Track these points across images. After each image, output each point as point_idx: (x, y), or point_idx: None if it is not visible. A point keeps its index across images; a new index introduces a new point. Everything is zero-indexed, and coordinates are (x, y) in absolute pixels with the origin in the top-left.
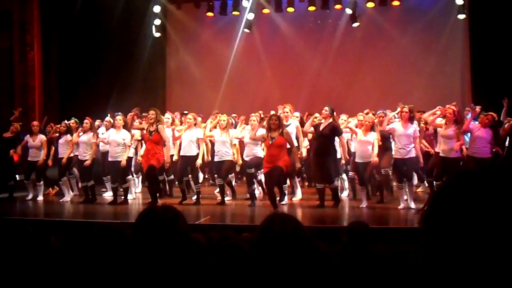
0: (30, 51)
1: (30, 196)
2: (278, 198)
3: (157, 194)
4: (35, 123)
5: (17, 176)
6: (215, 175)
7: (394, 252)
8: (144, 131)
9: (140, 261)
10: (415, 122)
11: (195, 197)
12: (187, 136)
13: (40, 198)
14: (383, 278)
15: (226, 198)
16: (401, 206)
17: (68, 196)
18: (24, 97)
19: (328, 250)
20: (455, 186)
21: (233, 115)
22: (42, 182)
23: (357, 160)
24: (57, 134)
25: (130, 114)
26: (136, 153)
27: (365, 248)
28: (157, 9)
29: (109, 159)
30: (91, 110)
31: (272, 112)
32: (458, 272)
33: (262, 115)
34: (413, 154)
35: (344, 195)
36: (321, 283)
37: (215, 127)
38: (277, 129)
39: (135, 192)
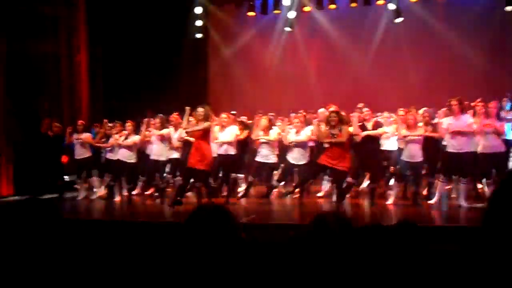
0: (77, 55)
1: (82, 195)
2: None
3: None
4: (81, 122)
5: (66, 177)
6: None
7: (444, 251)
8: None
9: (191, 259)
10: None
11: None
12: (223, 136)
13: (95, 195)
14: (438, 277)
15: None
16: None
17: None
18: (71, 101)
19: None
20: None
21: (271, 114)
22: (94, 178)
23: (405, 159)
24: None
25: (172, 116)
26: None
27: (415, 247)
28: (198, 10)
29: (151, 157)
30: (135, 112)
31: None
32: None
33: (305, 114)
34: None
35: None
36: (373, 282)
37: (263, 129)
38: (337, 125)
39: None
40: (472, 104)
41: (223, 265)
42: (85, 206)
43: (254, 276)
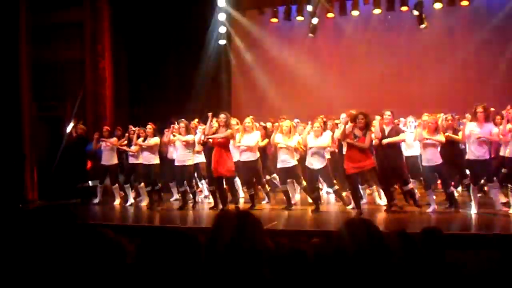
0: (101, 61)
1: (98, 200)
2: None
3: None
4: (106, 128)
5: (90, 182)
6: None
7: (465, 257)
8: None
9: (216, 264)
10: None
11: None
12: (245, 141)
13: (117, 202)
14: (458, 284)
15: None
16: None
17: (128, 201)
18: (96, 106)
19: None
20: None
21: (296, 120)
22: (117, 185)
23: (424, 164)
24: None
25: (193, 122)
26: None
27: (440, 255)
28: (222, 16)
29: (176, 163)
30: (159, 117)
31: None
32: None
33: (324, 119)
34: (488, 155)
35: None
36: None
37: (282, 132)
38: (363, 128)
39: (201, 198)
40: (504, 112)
41: (248, 269)
42: (102, 212)
43: (280, 281)
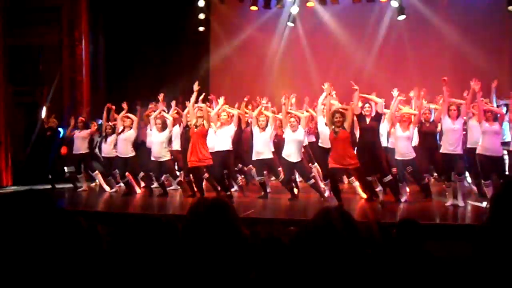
0: (78, 46)
1: (83, 187)
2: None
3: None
4: (81, 119)
5: (65, 168)
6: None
7: (440, 248)
8: (191, 125)
9: (192, 252)
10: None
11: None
12: (222, 131)
13: (84, 188)
14: (434, 274)
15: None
16: (449, 203)
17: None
18: (73, 91)
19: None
20: None
21: (272, 108)
22: (82, 175)
23: (396, 157)
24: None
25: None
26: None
27: (416, 245)
28: (201, 3)
29: (152, 158)
30: (136, 103)
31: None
32: None
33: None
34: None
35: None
36: (370, 281)
37: (260, 114)
38: (341, 126)
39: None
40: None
41: (224, 258)
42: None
43: (255, 269)
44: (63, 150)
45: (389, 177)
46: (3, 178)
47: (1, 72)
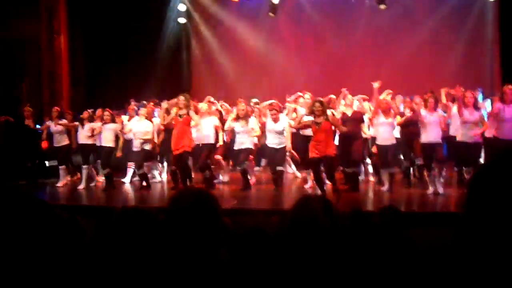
0: (57, 38)
1: (61, 183)
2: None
3: (187, 179)
4: (56, 108)
5: (46, 162)
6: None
7: (422, 236)
8: (173, 115)
9: (173, 243)
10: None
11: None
12: (205, 124)
13: (61, 183)
14: (416, 261)
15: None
16: (430, 191)
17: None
18: (52, 84)
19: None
20: (494, 169)
21: (254, 100)
22: (64, 167)
23: (378, 142)
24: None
25: (148, 105)
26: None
27: (398, 232)
28: None
29: (134, 149)
30: (117, 96)
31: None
32: (497, 253)
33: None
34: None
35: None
36: (351, 268)
37: (236, 120)
38: (322, 114)
39: (162, 178)
40: (452, 91)
41: (205, 248)
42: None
43: (237, 260)
44: (44, 144)
45: (353, 169)
46: None
47: None
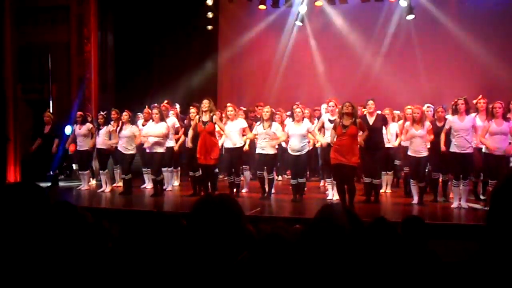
0: (87, 44)
1: (84, 186)
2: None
3: (213, 189)
4: (80, 113)
5: (73, 165)
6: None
7: (447, 248)
8: (197, 122)
9: (197, 248)
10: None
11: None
12: (230, 128)
13: (85, 187)
14: (438, 273)
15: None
16: (455, 204)
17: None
18: (81, 90)
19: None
20: None
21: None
22: (87, 171)
23: (410, 153)
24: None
25: (163, 104)
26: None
27: (421, 243)
28: (210, 2)
29: (147, 150)
30: (145, 102)
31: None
32: None
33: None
34: (471, 149)
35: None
36: (375, 276)
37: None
38: (351, 116)
39: (172, 185)
40: (474, 101)
41: (228, 254)
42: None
43: (259, 266)
44: (72, 147)
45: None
46: (10, 175)
47: (10, 70)
